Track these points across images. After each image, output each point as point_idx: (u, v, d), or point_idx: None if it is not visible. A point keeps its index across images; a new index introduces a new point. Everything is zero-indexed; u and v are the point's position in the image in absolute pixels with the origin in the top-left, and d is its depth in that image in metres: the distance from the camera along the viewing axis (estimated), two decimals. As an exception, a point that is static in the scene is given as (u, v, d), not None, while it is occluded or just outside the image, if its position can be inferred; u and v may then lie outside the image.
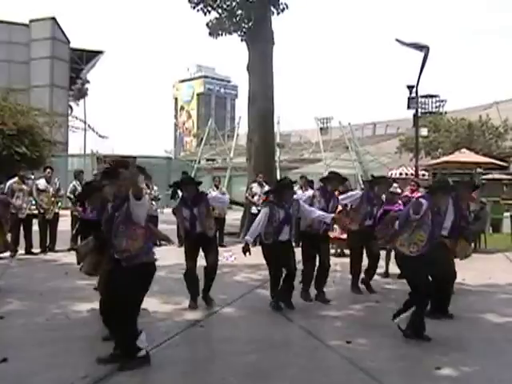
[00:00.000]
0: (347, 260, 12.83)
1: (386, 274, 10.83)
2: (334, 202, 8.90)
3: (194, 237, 8.17)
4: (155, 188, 15.71)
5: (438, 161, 24.40)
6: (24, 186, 13.49)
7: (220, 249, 14.41)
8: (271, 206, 8.03)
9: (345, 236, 14.88)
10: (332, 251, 14.02)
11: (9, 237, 12.15)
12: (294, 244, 8.44)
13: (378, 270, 10.99)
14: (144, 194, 7.70)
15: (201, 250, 8.30)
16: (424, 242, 6.45)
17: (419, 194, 10.36)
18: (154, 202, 15.34)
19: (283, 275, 8.03)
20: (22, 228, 13.53)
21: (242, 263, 11.34)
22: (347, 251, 13.65)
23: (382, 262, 11.05)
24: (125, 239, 5.38)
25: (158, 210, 16.05)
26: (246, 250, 7.79)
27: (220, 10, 19.29)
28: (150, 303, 8.17)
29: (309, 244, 8.77)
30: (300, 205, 8.16)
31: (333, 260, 13.01)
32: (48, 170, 13.80)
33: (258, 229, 7.94)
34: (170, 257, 12.79)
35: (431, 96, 45.49)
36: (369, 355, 5.93)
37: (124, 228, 5.38)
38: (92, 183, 7.58)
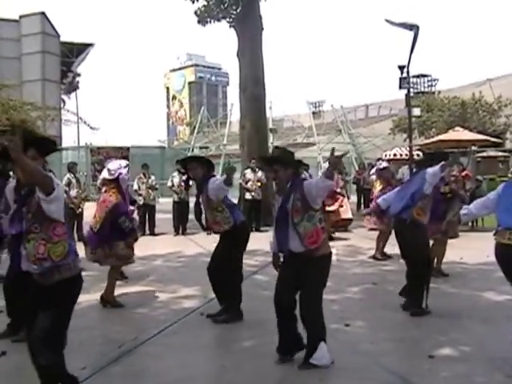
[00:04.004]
0: (342, 243, 12.91)
1: (382, 255, 10.71)
2: None
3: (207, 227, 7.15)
4: (152, 177, 15.67)
5: (432, 140, 24.37)
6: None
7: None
8: None
9: (350, 216, 14.87)
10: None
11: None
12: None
13: (372, 252, 11.02)
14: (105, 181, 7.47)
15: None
16: None
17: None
18: (151, 191, 15.33)
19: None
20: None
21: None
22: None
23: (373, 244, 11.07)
24: (42, 243, 3.88)
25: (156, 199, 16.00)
26: None
27: (208, -2, 19.20)
28: (146, 292, 8.22)
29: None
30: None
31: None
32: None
33: None
34: (165, 246, 12.84)
35: (423, 76, 45.47)
36: (367, 337, 5.93)
37: (39, 227, 3.90)
38: None
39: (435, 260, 8.98)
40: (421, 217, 6.90)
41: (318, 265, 4.98)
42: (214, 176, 6.82)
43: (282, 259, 5.28)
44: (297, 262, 5.00)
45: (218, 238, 7.00)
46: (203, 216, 7.10)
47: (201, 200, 6.91)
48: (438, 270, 8.93)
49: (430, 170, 6.87)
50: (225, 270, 6.68)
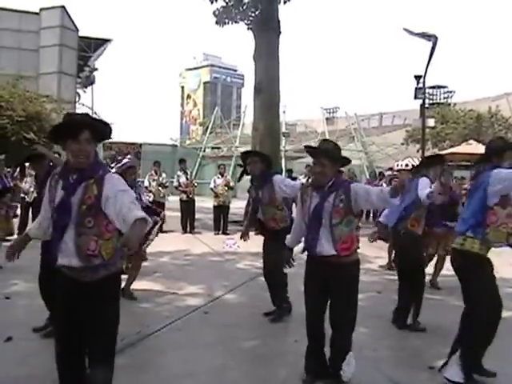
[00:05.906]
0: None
1: (390, 266, 10.68)
2: None
3: (259, 224, 7.13)
4: (163, 175, 15.68)
5: (445, 152, 24.29)
6: (32, 171, 13.50)
7: (223, 236, 14.58)
8: None
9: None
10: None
11: (16, 221, 12.31)
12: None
13: (381, 262, 11.00)
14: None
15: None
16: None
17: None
18: (160, 189, 15.33)
19: None
20: (30, 211, 13.60)
21: (244, 251, 11.36)
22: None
23: (383, 253, 11.07)
24: (93, 239, 3.50)
25: (166, 197, 16.00)
26: None
27: (227, -1, 19.30)
28: (152, 288, 8.26)
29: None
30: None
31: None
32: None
33: None
34: (173, 243, 12.88)
35: (439, 87, 45.42)
36: (369, 344, 5.93)
37: (93, 222, 3.51)
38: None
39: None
40: (415, 228, 6.64)
41: (346, 272, 4.62)
42: (275, 173, 6.89)
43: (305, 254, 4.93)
44: (324, 269, 4.64)
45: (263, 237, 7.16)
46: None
47: (260, 196, 6.80)
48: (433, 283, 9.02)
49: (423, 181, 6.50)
50: (279, 269, 6.51)
